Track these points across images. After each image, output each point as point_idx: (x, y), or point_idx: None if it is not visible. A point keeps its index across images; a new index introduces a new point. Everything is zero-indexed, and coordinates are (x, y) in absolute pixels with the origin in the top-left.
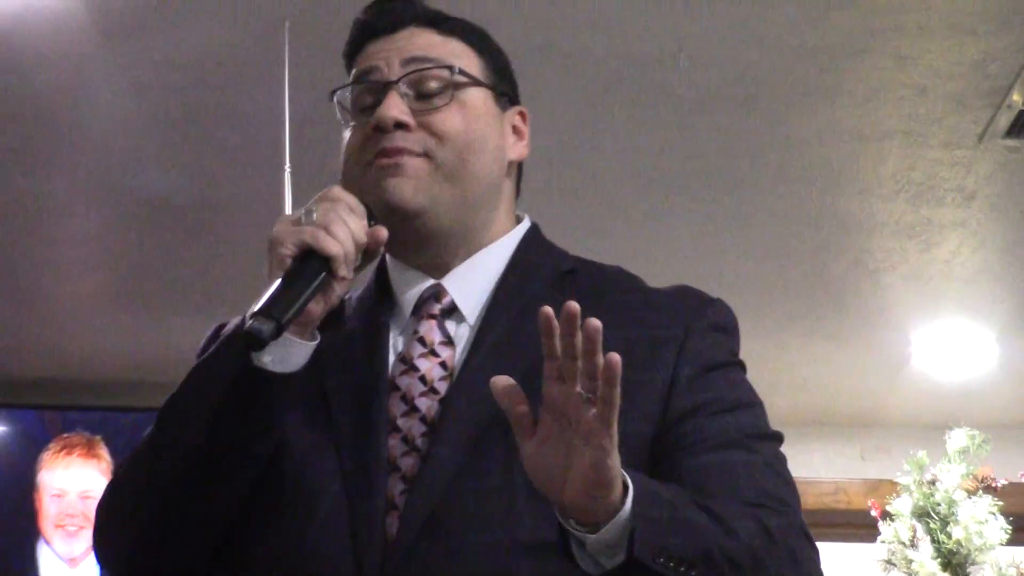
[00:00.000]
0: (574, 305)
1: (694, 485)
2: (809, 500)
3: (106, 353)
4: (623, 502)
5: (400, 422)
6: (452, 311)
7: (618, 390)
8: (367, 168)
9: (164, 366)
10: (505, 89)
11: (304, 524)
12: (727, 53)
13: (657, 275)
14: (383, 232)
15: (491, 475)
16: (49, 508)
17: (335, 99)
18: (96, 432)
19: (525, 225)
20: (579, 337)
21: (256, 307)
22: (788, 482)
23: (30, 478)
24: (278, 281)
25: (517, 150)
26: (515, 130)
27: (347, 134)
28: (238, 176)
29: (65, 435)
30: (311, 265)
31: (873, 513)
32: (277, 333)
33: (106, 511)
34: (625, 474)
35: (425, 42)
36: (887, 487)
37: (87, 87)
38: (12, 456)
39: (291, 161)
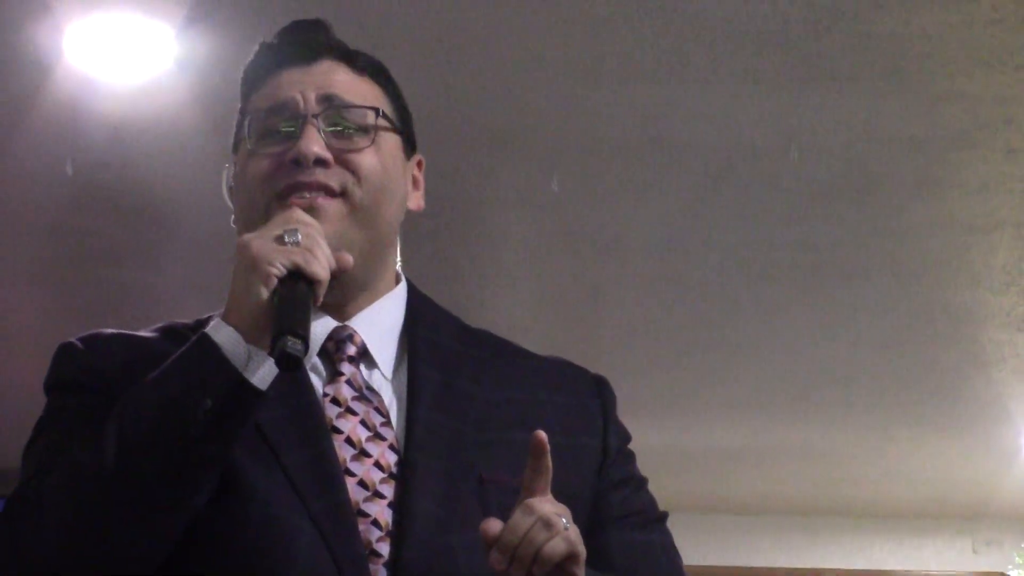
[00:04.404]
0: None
1: (623, 559)
2: None
3: None
4: None
5: (352, 466)
6: (363, 355)
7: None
8: (275, 201)
9: None
10: (410, 136)
11: (284, 565)
12: (838, 144)
13: (767, 368)
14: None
15: (473, 529)
16: None
17: (244, 122)
18: None
19: (404, 278)
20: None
21: (281, 326)
22: (682, 565)
23: None
24: (266, 299)
25: (415, 200)
26: (414, 180)
27: (243, 159)
28: None
29: None
30: (300, 287)
31: None
32: (306, 352)
33: (17, 522)
34: None
35: (343, 79)
36: None
37: (199, 183)
38: None
39: None
